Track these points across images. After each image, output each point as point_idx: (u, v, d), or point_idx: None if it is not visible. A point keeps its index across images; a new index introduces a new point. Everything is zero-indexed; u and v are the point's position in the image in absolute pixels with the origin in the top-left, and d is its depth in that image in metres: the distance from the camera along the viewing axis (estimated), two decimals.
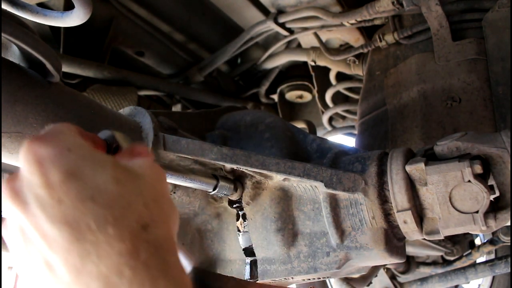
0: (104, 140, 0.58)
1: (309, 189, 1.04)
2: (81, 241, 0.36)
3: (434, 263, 2.45)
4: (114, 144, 0.57)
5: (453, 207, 0.90)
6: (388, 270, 2.36)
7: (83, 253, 0.36)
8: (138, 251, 0.38)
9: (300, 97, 2.46)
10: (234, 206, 1.13)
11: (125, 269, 0.36)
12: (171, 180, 0.97)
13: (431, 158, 0.95)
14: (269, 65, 2.26)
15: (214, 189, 1.05)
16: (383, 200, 0.96)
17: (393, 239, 0.99)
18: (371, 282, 2.14)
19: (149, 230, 0.39)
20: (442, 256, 2.48)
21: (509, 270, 1.94)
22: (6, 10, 0.84)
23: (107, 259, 0.36)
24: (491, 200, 0.89)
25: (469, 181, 0.88)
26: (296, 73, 2.42)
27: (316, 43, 1.95)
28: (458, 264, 2.23)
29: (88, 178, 0.38)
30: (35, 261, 0.38)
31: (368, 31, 1.90)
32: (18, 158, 0.82)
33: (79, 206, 0.37)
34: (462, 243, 2.48)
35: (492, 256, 2.31)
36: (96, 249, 0.36)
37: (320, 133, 2.58)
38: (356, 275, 1.91)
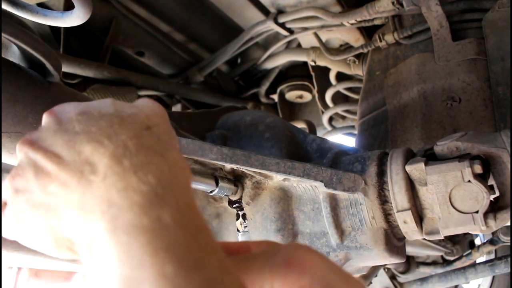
0: None
1: (309, 189, 1.04)
2: (92, 133, 0.45)
3: (434, 263, 2.44)
4: None
5: (453, 207, 0.90)
6: (388, 270, 2.36)
7: (90, 139, 0.45)
8: (141, 139, 0.46)
9: (300, 97, 2.45)
10: (234, 206, 1.13)
11: (128, 149, 0.45)
12: None
13: (431, 158, 0.95)
14: (269, 65, 2.25)
15: (214, 190, 1.05)
16: (383, 200, 0.96)
17: (393, 239, 0.99)
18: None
19: (151, 130, 0.48)
20: (442, 256, 2.47)
21: (509, 270, 1.94)
22: (6, 10, 0.84)
23: (113, 144, 0.45)
24: (491, 200, 0.89)
25: (469, 181, 0.88)
26: (296, 73, 2.41)
27: (316, 43, 1.95)
28: (458, 264, 2.22)
29: (95, 114, 0.48)
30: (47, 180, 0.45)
31: (368, 31, 1.90)
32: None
33: (90, 122, 0.47)
34: (462, 243, 2.48)
35: (492, 256, 2.31)
36: (104, 137, 0.45)
37: (320, 133, 2.58)
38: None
